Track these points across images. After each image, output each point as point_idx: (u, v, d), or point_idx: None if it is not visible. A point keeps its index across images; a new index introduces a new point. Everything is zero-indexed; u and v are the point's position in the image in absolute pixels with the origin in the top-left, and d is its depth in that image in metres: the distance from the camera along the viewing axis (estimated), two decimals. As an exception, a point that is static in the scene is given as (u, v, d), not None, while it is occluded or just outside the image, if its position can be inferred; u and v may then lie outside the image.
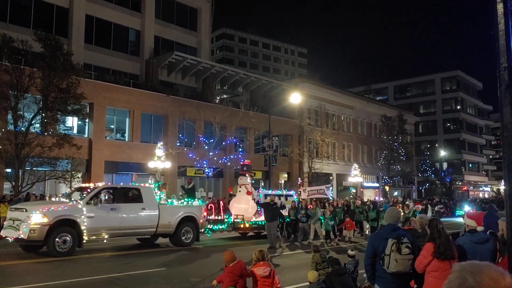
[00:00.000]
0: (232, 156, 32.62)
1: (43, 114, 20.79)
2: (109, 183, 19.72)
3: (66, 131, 22.68)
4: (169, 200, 16.72)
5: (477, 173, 77.71)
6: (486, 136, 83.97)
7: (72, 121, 26.56)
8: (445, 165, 60.79)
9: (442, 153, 59.30)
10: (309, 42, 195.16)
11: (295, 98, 30.08)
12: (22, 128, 20.15)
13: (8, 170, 21.33)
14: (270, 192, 22.61)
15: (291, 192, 24.02)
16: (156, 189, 15.91)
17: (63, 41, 24.63)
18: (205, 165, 30.02)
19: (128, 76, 33.61)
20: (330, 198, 25.57)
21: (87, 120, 26.62)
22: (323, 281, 7.23)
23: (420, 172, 59.29)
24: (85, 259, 13.20)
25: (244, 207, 19.15)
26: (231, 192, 23.87)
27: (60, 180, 22.53)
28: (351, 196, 33.74)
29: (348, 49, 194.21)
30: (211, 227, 18.28)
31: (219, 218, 19.74)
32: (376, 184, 51.34)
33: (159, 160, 26.28)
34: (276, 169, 36.29)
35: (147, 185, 16.02)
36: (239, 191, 19.78)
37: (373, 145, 51.62)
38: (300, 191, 23.07)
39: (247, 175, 19.95)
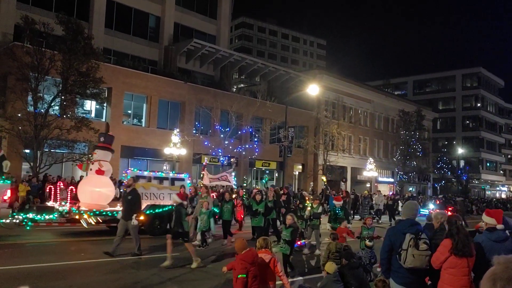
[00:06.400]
0: (247, 146, 32.68)
1: (63, 97, 21.01)
2: None
3: (84, 115, 22.89)
4: None
5: (495, 173, 76.48)
6: (506, 135, 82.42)
7: (90, 105, 26.83)
8: (462, 163, 59.91)
9: (460, 150, 58.43)
10: (329, 33, 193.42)
11: (313, 89, 29.78)
12: (42, 110, 20.38)
13: (27, 150, 21.63)
14: (146, 173, 15.83)
15: (183, 175, 17.13)
16: None
17: (84, 25, 24.76)
18: (220, 154, 30.13)
19: (146, 62, 33.77)
20: (234, 185, 21.53)
21: (105, 104, 26.81)
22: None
23: (437, 169, 58.65)
24: None
25: (97, 190, 14.02)
26: (81, 169, 17.85)
27: (77, 162, 22.78)
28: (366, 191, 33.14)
29: (368, 42, 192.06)
30: (32, 216, 13.01)
31: (55, 205, 14.19)
32: (391, 179, 50.99)
33: (175, 146, 26.47)
34: (291, 160, 36.27)
35: None
36: (91, 170, 14.57)
37: (389, 140, 51.19)
38: (203, 174, 18.61)
39: (107, 148, 14.73)
